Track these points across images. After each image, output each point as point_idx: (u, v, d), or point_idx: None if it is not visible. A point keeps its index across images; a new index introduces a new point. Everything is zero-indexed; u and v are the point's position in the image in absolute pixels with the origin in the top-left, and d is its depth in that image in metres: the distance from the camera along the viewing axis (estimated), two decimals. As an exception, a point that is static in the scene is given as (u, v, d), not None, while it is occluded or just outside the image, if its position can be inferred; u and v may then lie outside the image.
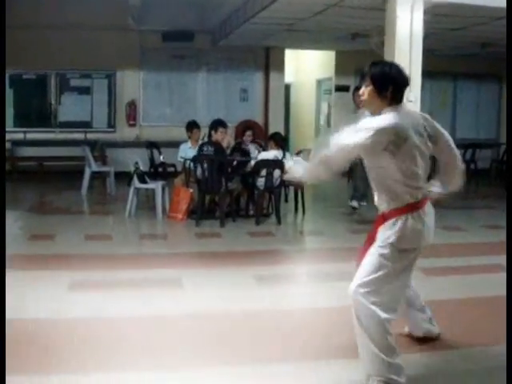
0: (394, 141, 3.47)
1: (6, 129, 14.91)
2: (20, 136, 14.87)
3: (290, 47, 15.90)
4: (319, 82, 16.73)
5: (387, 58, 8.38)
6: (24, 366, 4.04)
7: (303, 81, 17.79)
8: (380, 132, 3.49)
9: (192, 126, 10.57)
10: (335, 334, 4.53)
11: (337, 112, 15.24)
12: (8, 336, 4.55)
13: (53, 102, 15.31)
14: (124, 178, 11.83)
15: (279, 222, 9.19)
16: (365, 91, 3.71)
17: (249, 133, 10.83)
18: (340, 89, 15.42)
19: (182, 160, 10.05)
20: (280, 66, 15.94)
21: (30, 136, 14.92)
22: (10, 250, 7.76)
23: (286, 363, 4.12)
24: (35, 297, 5.59)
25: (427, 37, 9.01)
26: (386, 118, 3.57)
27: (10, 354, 4.13)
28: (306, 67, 17.63)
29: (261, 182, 9.37)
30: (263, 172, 9.35)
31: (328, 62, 15.92)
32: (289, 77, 16.98)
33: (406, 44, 8.72)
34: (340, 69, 15.54)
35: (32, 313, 5.15)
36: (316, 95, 16.68)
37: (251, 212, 9.70)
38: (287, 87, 17.26)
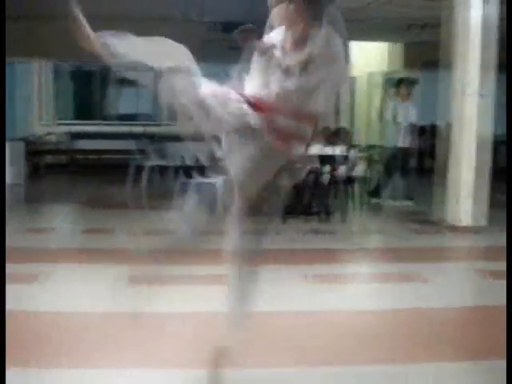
0: None
1: (66, 121, 15.25)
2: (79, 129, 15.11)
3: (355, 39, 15.69)
4: (386, 75, 16.50)
5: (455, 49, 8.19)
6: (85, 360, 4.08)
7: (369, 74, 17.56)
8: None
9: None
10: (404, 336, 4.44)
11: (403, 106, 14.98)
12: (65, 330, 4.63)
13: (112, 94, 15.52)
14: (183, 172, 11.88)
15: (343, 219, 9.09)
16: None
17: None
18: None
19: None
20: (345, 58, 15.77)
21: (89, 129, 15.15)
22: (66, 244, 7.94)
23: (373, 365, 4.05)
24: (93, 291, 5.64)
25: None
26: None
27: (69, 347, 4.18)
28: (373, 60, 17.40)
29: (325, 178, 9.27)
30: (327, 168, 9.25)
31: (395, 54, 15.69)
32: (354, 70, 16.78)
33: (477, 34, 8.44)
34: (408, 61, 15.29)
35: (89, 307, 5.20)
36: (382, 88, 16.43)
37: (314, 209, 9.61)
38: (352, 80, 17.07)
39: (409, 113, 10.56)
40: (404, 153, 10.27)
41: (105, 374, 3.92)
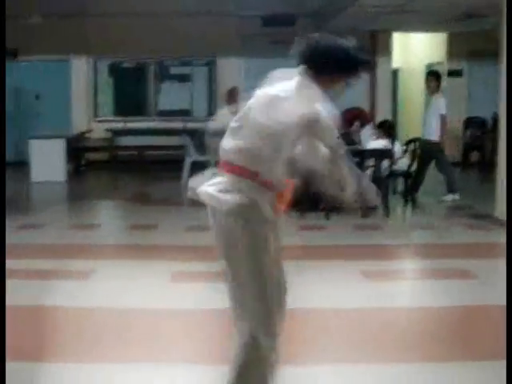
0: None
1: (107, 117, 15.43)
2: (120, 125, 15.28)
3: (398, 30, 15.61)
4: (429, 67, 16.34)
5: (502, 39, 8.07)
6: (128, 355, 4.14)
7: (412, 66, 17.43)
8: None
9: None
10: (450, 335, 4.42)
11: (448, 98, 14.84)
12: (108, 325, 4.72)
13: (152, 90, 15.65)
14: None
15: (387, 214, 9.05)
16: None
17: (357, 123, 10.73)
18: (452, 73, 15.03)
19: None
20: (387, 51, 15.68)
21: (130, 125, 15.32)
22: (110, 240, 8.06)
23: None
24: (138, 287, 5.72)
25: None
26: None
27: (111, 342, 4.26)
28: (415, 51, 17.27)
29: (368, 172, 9.24)
30: (371, 162, 9.22)
31: (439, 45, 15.54)
32: (396, 62, 16.68)
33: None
34: (452, 52, 15.14)
35: (132, 303, 5.27)
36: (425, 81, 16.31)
37: (358, 204, 9.57)
38: (395, 73, 16.97)
39: (439, 105, 10.49)
40: (435, 146, 10.17)
41: (157, 368, 3.98)
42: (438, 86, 10.69)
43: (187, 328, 4.70)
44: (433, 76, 10.85)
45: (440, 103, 10.59)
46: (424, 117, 11.14)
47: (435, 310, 5.10)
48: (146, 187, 12.39)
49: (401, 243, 7.81)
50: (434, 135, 10.28)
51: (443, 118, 10.42)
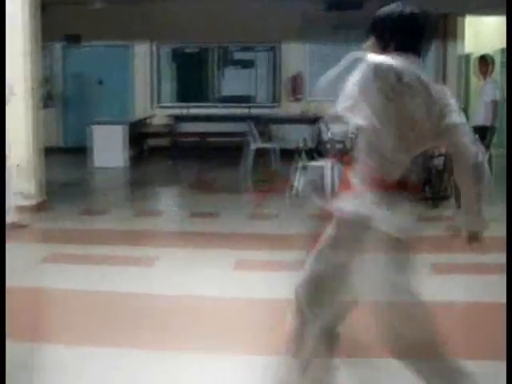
0: None
1: (169, 104, 15.57)
2: (182, 111, 15.42)
3: (470, 13, 15.32)
4: (504, 52, 16.00)
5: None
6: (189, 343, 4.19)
7: (485, 50, 17.07)
8: None
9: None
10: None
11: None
12: (171, 311, 4.78)
13: (215, 76, 15.73)
14: (288, 155, 11.93)
15: (459, 205, 8.89)
16: None
17: None
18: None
19: (353, 136, 9.96)
20: (459, 35, 15.42)
21: (192, 111, 15.44)
22: (173, 228, 8.15)
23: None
24: (201, 275, 5.78)
25: None
26: None
27: (174, 328, 4.31)
28: (489, 35, 16.92)
29: (439, 161, 9.10)
30: (442, 150, 9.08)
31: (514, 29, 15.19)
32: (469, 46, 16.39)
33: None
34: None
35: (196, 290, 5.34)
36: (500, 66, 15.93)
37: (427, 194, 9.46)
38: (467, 57, 16.67)
39: (490, 91, 10.34)
40: (483, 132, 10.02)
41: (214, 357, 4.02)
42: (491, 71, 10.56)
43: (249, 317, 4.73)
44: (484, 60, 10.71)
45: (491, 89, 10.46)
46: (475, 103, 11.05)
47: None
48: (208, 174, 12.47)
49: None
50: (481, 121, 10.19)
51: (494, 104, 10.30)
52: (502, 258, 6.50)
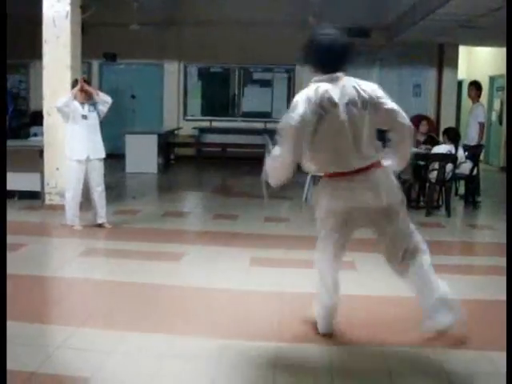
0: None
1: (195, 117, 15.68)
2: (206, 124, 15.55)
3: (464, 44, 15.37)
4: (492, 79, 16.02)
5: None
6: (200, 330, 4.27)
7: (475, 77, 17.08)
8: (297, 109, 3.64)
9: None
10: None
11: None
12: (193, 302, 4.84)
13: (236, 93, 15.83)
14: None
15: (449, 214, 8.96)
16: None
17: (424, 122, 10.76)
18: (515, 85, 14.70)
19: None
20: (453, 63, 15.46)
21: (215, 124, 15.55)
22: (197, 227, 8.24)
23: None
24: (221, 269, 5.87)
25: None
26: (300, 93, 3.70)
27: (196, 317, 4.38)
28: (479, 63, 16.94)
29: (433, 174, 9.17)
30: (436, 165, 9.15)
31: (502, 57, 15.19)
32: (461, 73, 16.41)
33: None
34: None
35: (217, 284, 5.41)
36: (488, 92, 15.97)
37: (422, 203, 9.53)
38: (459, 84, 16.70)
39: (478, 113, 10.42)
40: (474, 149, 10.08)
41: (227, 343, 4.10)
42: (479, 96, 10.62)
43: (261, 307, 4.80)
44: (473, 86, 10.76)
45: (479, 111, 10.51)
46: (466, 124, 11.11)
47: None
48: (229, 181, 12.57)
49: (459, 240, 7.75)
50: (472, 141, 10.27)
51: (481, 125, 10.39)
52: (492, 260, 6.56)
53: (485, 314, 4.74)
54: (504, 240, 7.52)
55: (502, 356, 3.35)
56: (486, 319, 4.61)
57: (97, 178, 7.46)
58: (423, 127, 10.67)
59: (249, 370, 3.68)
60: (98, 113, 7.51)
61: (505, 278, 5.67)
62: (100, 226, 7.52)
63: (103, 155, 7.54)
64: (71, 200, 7.44)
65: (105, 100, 7.54)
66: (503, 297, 3.98)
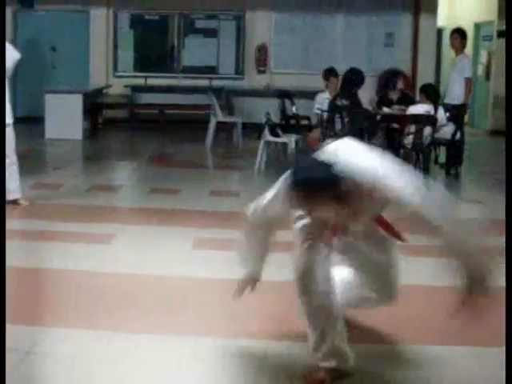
0: None
1: (127, 73, 15.49)
2: (140, 81, 15.35)
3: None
4: (478, 27, 16.18)
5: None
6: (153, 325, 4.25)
7: (458, 25, 17.22)
8: None
9: (329, 73, 10.64)
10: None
11: (498, 62, 14.72)
12: (127, 291, 4.82)
13: (176, 45, 15.68)
14: (252, 129, 11.99)
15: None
16: None
17: (399, 81, 10.55)
18: (504, 34, 14.86)
19: (319, 112, 10.07)
20: (432, 7, 15.50)
21: (151, 81, 15.37)
22: (130, 204, 8.17)
23: None
24: (158, 253, 5.83)
25: None
26: None
27: (126, 309, 4.36)
28: (462, 9, 17.09)
29: (408, 139, 9.22)
30: (411, 128, 9.21)
31: (489, 2, 15.35)
32: (441, 20, 16.52)
33: None
34: (504, 11, 14.95)
35: (154, 270, 5.38)
36: (473, 42, 16.11)
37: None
38: (439, 32, 16.83)
39: (463, 67, 10.40)
40: (458, 110, 10.07)
41: (166, 337, 4.08)
42: (464, 46, 10.58)
43: (204, 297, 4.78)
44: (457, 34, 10.70)
45: (464, 64, 10.49)
46: (448, 79, 11.04)
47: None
48: (168, 148, 12.47)
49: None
50: (456, 99, 10.23)
51: (468, 82, 10.34)
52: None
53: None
54: (497, 216, 7.62)
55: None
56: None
57: None
58: (399, 84, 10.60)
59: (192, 364, 3.70)
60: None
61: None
62: (14, 202, 7.36)
63: (10, 120, 7.33)
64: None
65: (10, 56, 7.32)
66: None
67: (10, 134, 7.30)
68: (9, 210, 7.14)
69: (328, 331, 3.45)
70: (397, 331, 4.20)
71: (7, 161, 7.24)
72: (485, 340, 4.04)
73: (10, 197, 7.31)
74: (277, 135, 9.95)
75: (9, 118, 7.29)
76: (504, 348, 3.12)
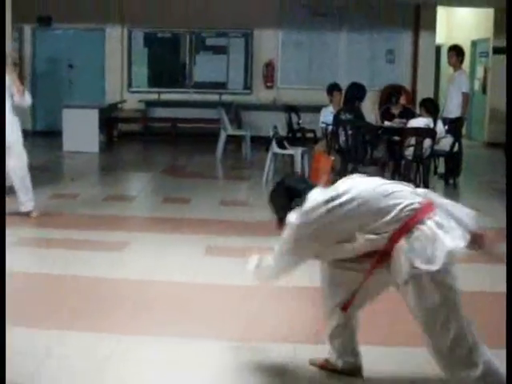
0: None
1: (141, 89, 15.52)
2: (154, 96, 15.39)
3: (443, 4, 15.43)
4: (474, 44, 16.17)
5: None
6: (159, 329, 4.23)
7: (456, 42, 17.21)
8: None
9: (333, 88, 10.66)
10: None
11: (494, 77, 14.71)
12: (139, 297, 4.81)
13: (187, 61, 15.70)
14: (259, 142, 11.99)
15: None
16: None
17: (402, 97, 10.53)
18: (499, 51, 14.83)
19: (324, 125, 10.08)
20: (431, 25, 15.50)
21: (164, 97, 15.41)
22: (143, 213, 8.17)
23: None
24: (171, 260, 5.82)
25: None
26: None
27: (140, 314, 4.35)
28: (460, 27, 17.07)
29: (409, 151, 9.20)
30: (412, 141, 9.19)
31: (485, 20, 15.34)
32: (440, 37, 16.52)
33: None
34: (499, 28, 14.93)
35: (167, 276, 5.37)
36: (470, 58, 16.09)
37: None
38: (438, 49, 16.81)
39: (460, 82, 10.37)
40: (456, 123, 10.05)
41: (181, 342, 4.06)
42: (461, 62, 10.56)
43: (217, 303, 4.77)
44: (453, 51, 10.69)
45: (462, 79, 10.47)
46: (446, 93, 11.02)
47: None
48: (180, 160, 12.50)
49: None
50: (454, 113, 10.21)
51: (465, 96, 10.32)
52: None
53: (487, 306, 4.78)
54: (496, 224, 7.60)
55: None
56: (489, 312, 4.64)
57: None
58: (401, 99, 10.57)
59: (199, 370, 3.68)
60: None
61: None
62: (26, 214, 7.34)
63: (20, 138, 7.29)
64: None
65: (23, 103, 7.34)
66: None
67: (20, 150, 7.26)
68: (24, 219, 7.17)
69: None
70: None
71: (19, 174, 7.20)
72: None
73: (22, 209, 7.29)
74: (284, 147, 9.96)
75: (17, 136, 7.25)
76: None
